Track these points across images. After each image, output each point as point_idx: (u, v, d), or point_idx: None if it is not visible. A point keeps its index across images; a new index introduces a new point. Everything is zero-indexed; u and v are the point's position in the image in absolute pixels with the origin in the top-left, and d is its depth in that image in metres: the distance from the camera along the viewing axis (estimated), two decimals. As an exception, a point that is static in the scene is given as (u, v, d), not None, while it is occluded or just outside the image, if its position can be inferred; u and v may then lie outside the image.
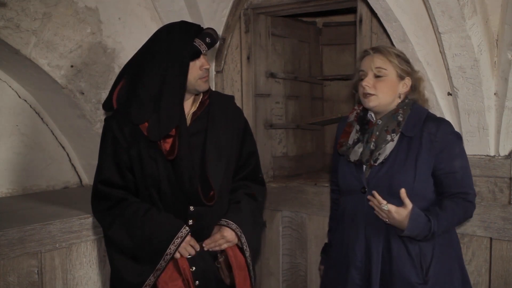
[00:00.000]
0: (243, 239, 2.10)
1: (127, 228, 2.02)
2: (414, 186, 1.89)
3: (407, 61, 2.00)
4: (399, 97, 1.98)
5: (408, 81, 1.98)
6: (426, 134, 1.91)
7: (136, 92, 2.01)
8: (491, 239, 2.30)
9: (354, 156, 1.98)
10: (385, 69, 1.94)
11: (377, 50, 1.97)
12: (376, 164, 1.93)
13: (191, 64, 2.00)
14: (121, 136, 2.05)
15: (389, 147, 1.92)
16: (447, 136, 1.92)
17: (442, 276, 1.89)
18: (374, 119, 2.01)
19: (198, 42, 2.00)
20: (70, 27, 2.64)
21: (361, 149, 1.96)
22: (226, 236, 2.08)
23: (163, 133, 1.97)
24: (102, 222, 2.09)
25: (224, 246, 2.09)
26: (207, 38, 2.02)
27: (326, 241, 2.33)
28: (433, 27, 2.22)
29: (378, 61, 1.94)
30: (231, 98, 2.31)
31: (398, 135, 1.93)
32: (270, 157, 3.29)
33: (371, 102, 1.95)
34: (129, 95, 2.03)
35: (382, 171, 1.93)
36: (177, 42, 1.99)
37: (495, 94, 2.23)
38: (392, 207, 1.83)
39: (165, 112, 1.96)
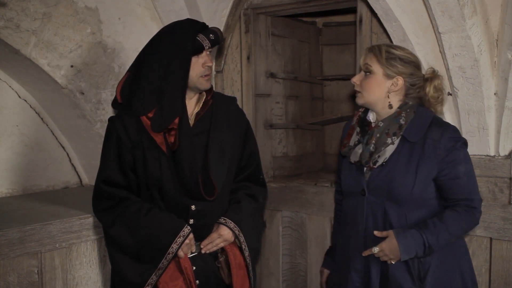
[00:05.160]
0: (242, 238, 2.10)
1: (128, 227, 2.02)
2: (413, 191, 1.86)
3: (407, 62, 1.93)
4: (388, 96, 1.93)
5: (398, 81, 1.92)
6: (429, 140, 1.87)
7: (139, 85, 2.03)
8: (491, 239, 2.30)
9: (354, 157, 1.97)
10: (371, 66, 1.93)
11: (370, 48, 1.98)
12: (375, 166, 1.91)
13: (194, 60, 2.01)
14: (125, 136, 2.05)
15: (389, 150, 1.90)
16: (450, 142, 1.87)
17: (440, 286, 1.87)
18: (373, 120, 2.01)
19: (201, 37, 2.01)
20: (70, 27, 2.64)
21: (360, 150, 1.95)
22: (222, 235, 2.08)
23: (165, 125, 1.99)
24: (103, 221, 2.10)
25: (221, 245, 2.10)
26: (210, 35, 2.04)
27: (330, 244, 2.32)
28: (433, 27, 2.22)
29: (367, 58, 1.96)
30: (234, 99, 2.33)
31: (399, 139, 1.90)
32: (270, 157, 3.29)
33: (358, 100, 1.99)
34: (132, 88, 2.05)
35: (382, 174, 1.91)
36: (180, 36, 2.00)
37: (495, 94, 2.23)
38: (381, 245, 1.86)
39: (167, 104, 1.98)
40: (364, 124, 2.01)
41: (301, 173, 3.53)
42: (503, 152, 2.29)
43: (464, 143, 1.93)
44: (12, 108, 2.90)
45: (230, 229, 2.09)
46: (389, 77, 1.93)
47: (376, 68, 1.93)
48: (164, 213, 2.04)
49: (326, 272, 2.23)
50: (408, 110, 1.93)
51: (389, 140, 1.90)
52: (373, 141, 1.93)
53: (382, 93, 1.94)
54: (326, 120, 3.61)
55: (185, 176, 2.02)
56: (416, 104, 1.97)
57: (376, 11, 2.34)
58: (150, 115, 2.00)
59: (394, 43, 2.37)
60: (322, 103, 3.87)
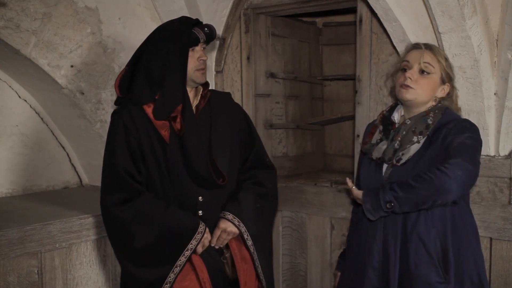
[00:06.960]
0: (243, 229, 2.10)
1: (148, 225, 1.99)
2: None
3: (451, 68, 1.96)
4: (435, 100, 1.94)
5: (447, 88, 1.94)
6: (444, 130, 1.85)
7: (138, 77, 2.07)
8: (491, 239, 2.30)
9: (377, 154, 1.96)
10: (433, 67, 1.90)
11: (428, 46, 1.94)
12: (398, 164, 1.90)
13: (190, 53, 2.07)
14: (132, 126, 2.06)
15: (414, 148, 1.88)
16: (461, 129, 1.84)
17: (462, 274, 1.85)
18: (397, 121, 2.00)
19: (197, 30, 2.09)
20: (70, 27, 2.65)
21: (384, 147, 1.94)
22: (222, 227, 2.08)
23: (169, 112, 2.02)
24: (122, 217, 2.00)
25: (228, 238, 2.09)
26: (205, 28, 2.12)
27: (343, 247, 2.31)
28: (433, 27, 2.22)
29: (428, 57, 1.91)
30: (228, 94, 2.39)
31: (424, 138, 1.88)
32: (270, 157, 3.28)
33: (408, 94, 1.91)
34: (132, 80, 2.09)
35: (402, 171, 1.88)
36: (177, 30, 2.08)
37: (495, 94, 2.23)
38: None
39: (168, 92, 2.03)
40: (388, 123, 2.00)
41: (301, 173, 3.53)
42: (503, 152, 2.29)
43: (474, 128, 1.87)
44: (12, 108, 2.90)
45: (229, 220, 2.09)
46: (442, 82, 1.93)
47: (436, 70, 1.91)
48: (180, 210, 2.04)
49: (339, 275, 2.21)
50: (436, 111, 1.92)
51: (415, 139, 1.89)
52: (399, 138, 1.92)
53: (432, 96, 1.94)
54: (326, 120, 3.61)
55: (193, 160, 2.04)
56: (445, 106, 1.96)
57: (376, 11, 2.34)
58: (152, 104, 2.04)
59: (394, 43, 2.38)
60: (322, 103, 3.87)
